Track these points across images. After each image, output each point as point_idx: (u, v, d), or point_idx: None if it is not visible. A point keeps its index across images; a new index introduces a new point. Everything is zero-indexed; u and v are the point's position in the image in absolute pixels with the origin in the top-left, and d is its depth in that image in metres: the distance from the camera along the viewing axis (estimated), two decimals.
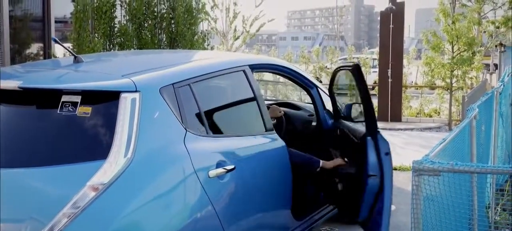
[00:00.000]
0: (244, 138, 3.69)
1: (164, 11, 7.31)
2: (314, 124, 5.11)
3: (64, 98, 2.87)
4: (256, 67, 4.17)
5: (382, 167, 3.88)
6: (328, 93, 4.87)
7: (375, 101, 10.94)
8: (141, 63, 3.89)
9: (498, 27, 15.37)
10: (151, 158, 2.90)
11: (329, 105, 4.95)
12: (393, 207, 4.51)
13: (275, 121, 4.69)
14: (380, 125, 4.64)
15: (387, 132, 10.22)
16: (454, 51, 12.59)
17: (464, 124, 3.57)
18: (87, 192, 2.65)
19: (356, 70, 4.11)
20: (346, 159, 4.38)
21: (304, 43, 21.96)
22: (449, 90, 12.76)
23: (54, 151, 2.85)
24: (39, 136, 2.93)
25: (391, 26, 12.51)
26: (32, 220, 2.67)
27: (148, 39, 6.97)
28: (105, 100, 2.88)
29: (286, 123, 4.89)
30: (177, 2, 7.22)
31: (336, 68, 4.89)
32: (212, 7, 12.18)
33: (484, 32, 16.35)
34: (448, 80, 12.67)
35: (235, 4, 12.35)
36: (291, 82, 5.00)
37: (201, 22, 8.20)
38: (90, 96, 2.87)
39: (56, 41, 3.56)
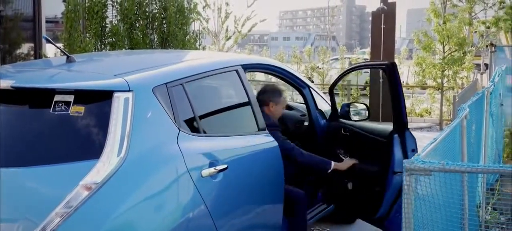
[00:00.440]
0: (237, 137, 3.70)
1: (156, 11, 7.30)
2: (306, 123, 5.13)
3: (57, 97, 2.86)
4: (249, 67, 4.18)
5: None
6: (327, 93, 4.91)
7: (366, 101, 10.97)
8: (133, 63, 3.89)
9: (489, 27, 15.43)
10: (144, 157, 2.90)
11: (321, 105, 4.97)
12: None
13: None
14: None
15: None
16: (445, 51, 12.66)
17: (455, 124, 3.59)
18: (80, 191, 2.64)
19: (391, 69, 4.11)
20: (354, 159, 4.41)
21: (296, 43, 22.02)
22: (440, 90, 12.83)
23: (47, 150, 2.84)
24: (32, 135, 2.92)
25: (382, 26, 12.52)
26: (24, 220, 2.67)
27: (139, 39, 6.96)
28: (98, 100, 2.88)
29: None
30: (169, 2, 7.21)
31: (351, 67, 4.88)
32: (204, 7, 12.16)
33: (475, 32, 16.42)
34: (439, 80, 12.74)
35: (227, 4, 12.32)
36: (283, 82, 5.01)
37: (193, 22, 8.19)
38: (83, 96, 2.87)
39: (47, 40, 3.54)
